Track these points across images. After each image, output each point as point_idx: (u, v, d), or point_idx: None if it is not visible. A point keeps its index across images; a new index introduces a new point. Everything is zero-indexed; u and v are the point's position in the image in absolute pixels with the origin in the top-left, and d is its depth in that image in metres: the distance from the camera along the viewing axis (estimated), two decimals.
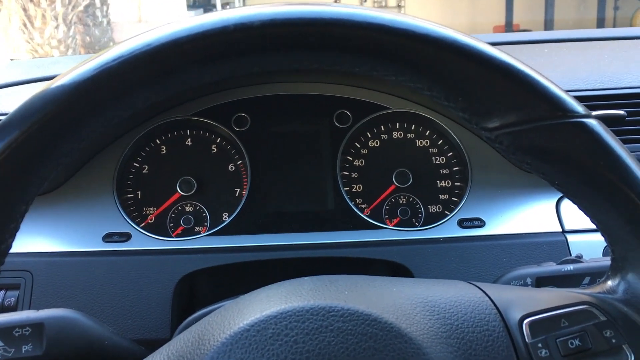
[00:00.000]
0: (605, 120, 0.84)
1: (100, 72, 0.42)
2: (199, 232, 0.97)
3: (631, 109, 0.96)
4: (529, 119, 0.44)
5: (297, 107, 1.03)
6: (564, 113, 0.44)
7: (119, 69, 0.42)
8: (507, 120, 0.45)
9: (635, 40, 1.28)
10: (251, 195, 0.98)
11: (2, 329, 0.53)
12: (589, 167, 0.45)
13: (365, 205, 1.00)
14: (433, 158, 1.02)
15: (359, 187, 1.01)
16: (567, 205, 0.93)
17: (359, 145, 1.02)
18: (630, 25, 8.68)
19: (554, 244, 0.89)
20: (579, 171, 0.45)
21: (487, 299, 0.48)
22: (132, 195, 0.99)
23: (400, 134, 1.03)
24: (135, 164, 1.00)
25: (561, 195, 0.95)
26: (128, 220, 0.95)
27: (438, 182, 1.01)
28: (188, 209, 0.99)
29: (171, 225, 0.98)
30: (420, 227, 0.97)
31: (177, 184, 0.98)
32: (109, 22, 7.88)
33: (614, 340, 0.45)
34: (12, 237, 0.45)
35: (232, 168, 1.01)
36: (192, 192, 0.98)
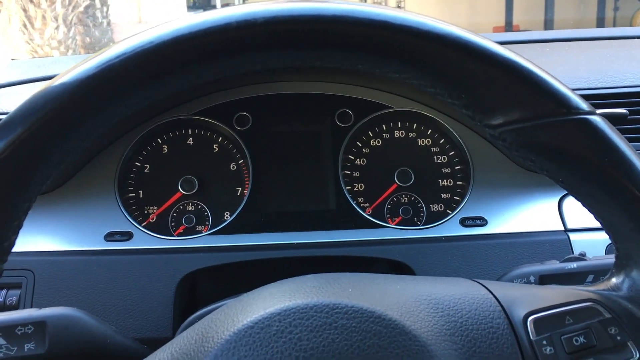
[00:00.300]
0: (607, 118, 0.84)
1: (103, 69, 0.42)
2: (200, 231, 0.97)
3: (633, 107, 0.96)
4: (533, 116, 0.44)
5: (298, 106, 1.03)
6: (568, 110, 0.44)
7: (121, 66, 0.42)
8: (511, 117, 0.45)
9: (636, 40, 1.29)
10: (253, 195, 0.98)
11: (5, 328, 0.53)
12: (593, 164, 0.45)
13: (367, 204, 1.00)
14: (435, 157, 1.02)
15: (361, 186, 1.01)
16: (570, 204, 0.93)
17: (360, 144, 1.02)
18: (630, 26, 8.68)
19: (556, 243, 0.89)
20: (583, 168, 0.45)
21: (491, 296, 0.48)
22: (133, 195, 0.99)
23: (402, 133, 1.03)
24: (137, 163, 1.00)
25: (564, 193, 0.95)
26: (130, 219, 0.95)
27: (440, 181, 1.01)
28: (190, 208, 0.99)
29: (173, 224, 0.98)
30: (422, 226, 0.97)
31: (179, 183, 0.98)
32: (109, 23, 7.89)
33: (618, 337, 0.45)
34: (15, 235, 0.45)
35: (233, 167, 1.01)
36: (194, 191, 0.98)
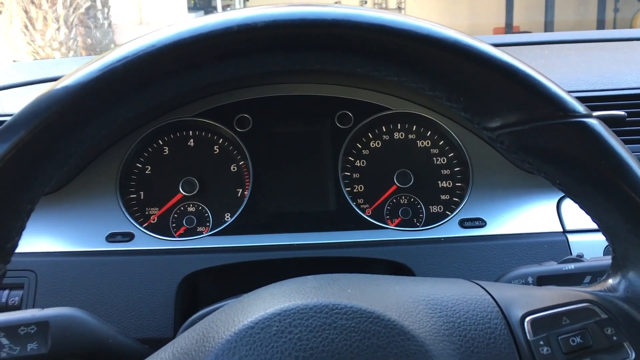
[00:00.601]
0: (605, 120, 0.85)
1: (105, 72, 0.43)
2: (201, 232, 0.97)
3: (631, 109, 0.96)
4: (531, 119, 0.45)
5: (298, 108, 1.03)
6: (565, 113, 0.44)
7: (123, 69, 0.43)
8: (509, 120, 0.46)
9: (635, 42, 1.29)
10: (253, 196, 0.98)
11: (8, 328, 0.53)
12: (590, 166, 0.45)
13: (367, 205, 1.01)
14: (434, 158, 1.02)
15: (361, 188, 1.01)
16: (568, 206, 0.94)
17: (360, 146, 1.03)
18: (630, 27, 8.68)
19: (554, 244, 0.89)
20: (580, 171, 0.46)
21: (489, 297, 0.48)
22: (135, 196, 0.99)
23: (402, 135, 1.03)
24: (138, 164, 1.00)
25: (562, 195, 0.95)
26: (131, 220, 0.95)
27: (439, 182, 1.02)
28: (190, 209, 0.99)
29: (174, 225, 0.98)
30: (421, 227, 0.97)
31: (180, 185, 0.98)
32: (110, 24, 7.90)
33: (615, 338, 0.46)
34: (19, 235, 0.45)
35: (234, 168, 1.01)
36: (195, 192, 0.98)
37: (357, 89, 1.03)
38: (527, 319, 0.46)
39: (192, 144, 1.02)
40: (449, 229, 0.95)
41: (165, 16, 8.43)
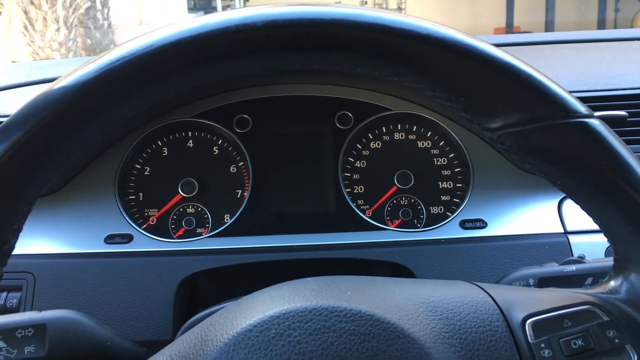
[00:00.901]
0: (607, 121, 0.84)
1: (103, 73, 0.42)
2: (200, 234, 0.97)
3: (633, 109, 0.96)
4: (532, 119, 0.44)
5: (298, 109, 1.03)
6: (567, 113, 0.44)
7: (121, 69, 0.42)
8: (510, 121, 0.45)
9: (636, 42, 1.29)
10: (253, 197, 0.98)
11: (5, 330, 0.53)
12: (591, 167, 0.45)
13: (367, 206, 1.00)
14: (435, 159, 1.02)
15: (361, 189, 1.01)
16: (569, 206, 0.93)
17: (360, 147, 1.03)
18: (631, 27, 8.68)
19: (556, 245, 0.89)
20: (581, 171, 0.45)
21: (490, 299, 0.48)
22: (133, 197, 0.99)
23: (402, 135, 1.03)
24: (137, 165, 1.00)
25: (563, 196, 0.95)
26: (130, 221, 0.95)
27: (440, 183, 1.01)
28: (190, 210, 0.99)
29: (173, 226, 0.98)
30: (422, 228, 0.97)
31: (179, 186, 0.98)
32: (109, 25, 7.90)
33: (616, 340, 0.45)
34: (15, 238, 0.45)
35: (233, 169, 1.01)
36: (194, 193, 0.98)
37: (357, 90, 1.03)
38: (529, 321, 0.46)
39: (191, 145, 1.02)
40: (450, 230, 0.95)
41: (165, 16, 8.44)
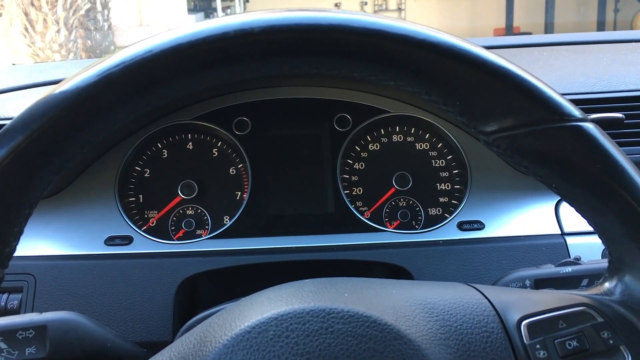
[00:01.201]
0: (603, 123, 0.85)
1: (103, 78, 0.43)
2: (200, 235, 0.97)
3: (630, 112, 0.96)
4: (526, 123, 0.45)
5: (297, 111, 1.03)
6: (561, 117, 0.44)
7: (121, 74, 0.43)
8: (504, 124, 0.46)
9: (634, 44, 1.29)
10: (252, 199, 0.99)
11: (6, 332, 0.53)
12: (585, 170, 0.45)
13: (366, 208, 1.01)
14: (433, 161, 1.03)
15: (359, 190, 1.02)
16: (566, 208, 0.94)
17: (359, 149, 1.03)
18: (631, 28, 8.68)
19: (553, 247, 0.90)
20: (575, 174, 0.46)
21: (486, 301, 0.48)
22: (133, 199, 0.99)
23: (400, 137, 1.04)
24: (137, 167, 1.01)
25: (560, 197, 0.95)
26: (130, 223, 0.95)
27: (438, 185, 1.02)
28: (189, 212, 0.99)
29: (172, 228, 0.99)
30: (420, 229, 0.97)
31: (179, 188, 0.99)
32: (110, 26, 7.90)
33: (611, 341, 0.46)
34: (16, 240, 0.45)
35: (233, 171, 1.01)
36: (194, 195, 0.99)
37: (356, 92, 1.03)
38: (524, 322, 0.46)
39: (190, 147, 1.02)
40: (448, 232, 0.95)
41: (165, 18, 8.44)
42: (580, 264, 0.69)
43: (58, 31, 6.78)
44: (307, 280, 0.50)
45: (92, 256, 0.91)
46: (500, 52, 0.46)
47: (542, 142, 0.45)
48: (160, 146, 1.02)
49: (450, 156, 1.02)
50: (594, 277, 0.66)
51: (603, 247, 0.80)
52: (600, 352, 0.45)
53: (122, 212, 0.96)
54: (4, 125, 0.43)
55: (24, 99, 1.05)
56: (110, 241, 0.93)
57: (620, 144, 0.47)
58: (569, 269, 0.68)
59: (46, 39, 6.78)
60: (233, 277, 0.94)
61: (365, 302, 0.45)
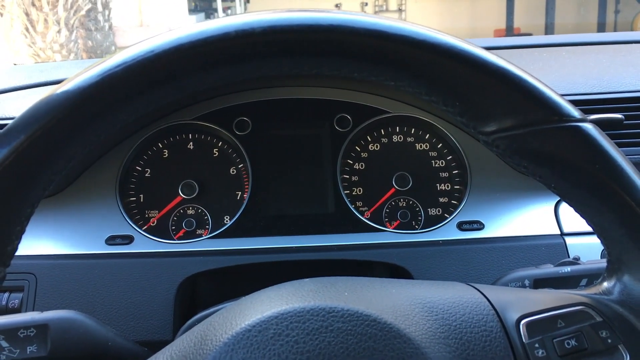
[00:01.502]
0: (603, 124, 0.85)
1: (104, 78, 0.43)
2: (200, 235, 0.98)
3: (629, 112, 0.96)
4: (525, 123, 0.45)
5: (297, 111, 1.04)
6: (560, 117, 0.45)
7: (122, 75, 0.43)
8: (504, 125, 0.46)
9: (634, 45, 1.29)
10: (252, 199, 0.99)
11: (7, 330, 0.53)
12: (584, 170, 0.45)
13: (366, 208, 1.01)
14: (433, 161, 1.03)
15: (359, 190, 1.02)
16: (566, 208, 0.94)
17: (359, 149, 1.03)
18: (631, 29, 8.68)
19: (552, 247, 0.90)
20: (574, 175, 0.46)
21: (485, 300, 0.48)
22: (134, 199, 1.00)
23: (400, 138, 1.04)
24: (137, 167, 1.01)
25: (559, 198, 0.95)
26: (131, 223, 0.96)
27: (437, 185, 1.02)
28: (190, 212, 1.00)
29: (173, 228, 0.99)
30: (420, 229, 0.97)
31: (179, 187, 0.99)
32: (110, 27, 7.90)
33: (609, 341, 0.46)
34: (18, 239, 0.45)
35: (233, 171, 1.02)
36: (194, 195, 0.99)
37: (356, 92, 1.03)
38: (523, 321, 0.47)
39: (191, 147, 1.02)
40: (447, 232, 0.95)
41: (166, 18, 8.44)
42: (579, 263, 0.69)
43: (59, 31, 6.78)
44: (307, 279, 0.50)
45: (93, 255, 0.91)
46: (500, 53, 0.46)
47: (541, 143, 0.45)
48: (161, 146, 1.02)
49: (450, 156, 1.03)
50: (592, 276, 0.66)
51: (602, 247, 0.80)
52: (598, 351, 0.46)
53: (122, 212, 0.96)
54: (5, 125, 0.43)
55: (25, 99, 1.05)
56: (111, 241, 0.94)
57: (620, 145, 0.47)
58: (568, 268, 0.68)
59: (47, 39, 6.78)
60: (233, 276, 0.94)
61: (365, 301, 0.45)
